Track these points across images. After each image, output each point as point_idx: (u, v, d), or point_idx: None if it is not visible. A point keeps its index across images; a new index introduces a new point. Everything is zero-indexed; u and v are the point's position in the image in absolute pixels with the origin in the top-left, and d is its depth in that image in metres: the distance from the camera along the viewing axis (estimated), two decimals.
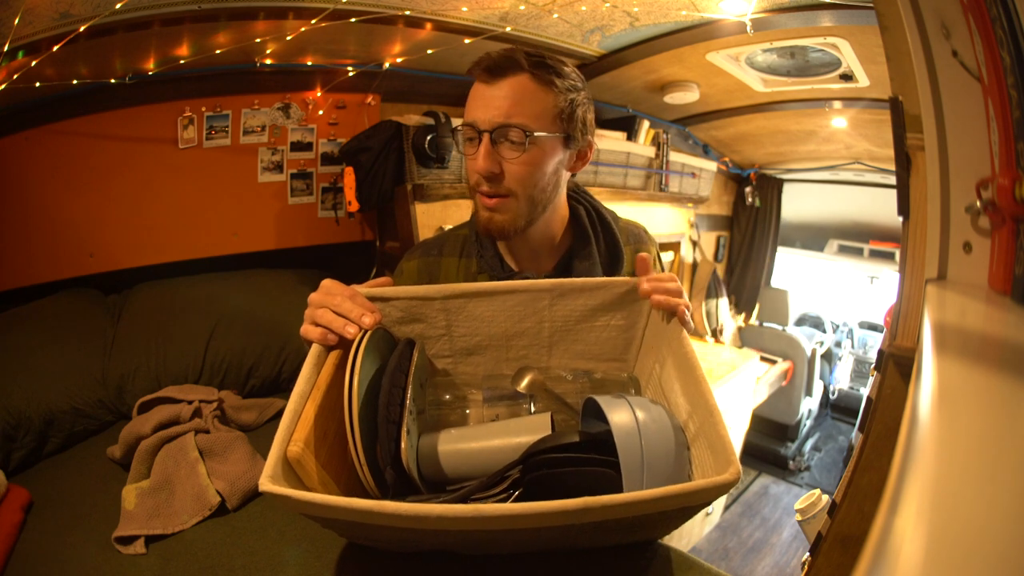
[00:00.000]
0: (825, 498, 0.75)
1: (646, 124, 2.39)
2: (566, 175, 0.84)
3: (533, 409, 0.75)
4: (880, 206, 3.31)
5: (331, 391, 0.62)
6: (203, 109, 1.52)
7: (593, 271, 0.86)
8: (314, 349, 0.66)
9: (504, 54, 0.75)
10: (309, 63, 1.59)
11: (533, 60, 0.75)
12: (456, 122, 1.58)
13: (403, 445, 0.58)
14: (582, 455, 0.58)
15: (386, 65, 1.63)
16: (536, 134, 0.75)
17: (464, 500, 0.57)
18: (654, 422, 0.56)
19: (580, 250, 0.88)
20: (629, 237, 0.94)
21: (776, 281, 3.90)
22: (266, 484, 0.48)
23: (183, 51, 1.35)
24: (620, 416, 0.56)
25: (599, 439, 0.58)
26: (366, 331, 0.67)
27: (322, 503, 0.46)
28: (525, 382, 0.74)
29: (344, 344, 0.67)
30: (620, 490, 0.53)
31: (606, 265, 0.89)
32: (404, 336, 0.75)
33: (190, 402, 0.96)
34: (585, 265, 0.86)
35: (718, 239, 3.60)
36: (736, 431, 2.77)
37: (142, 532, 0.72)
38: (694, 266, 3.36)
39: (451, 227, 0.98)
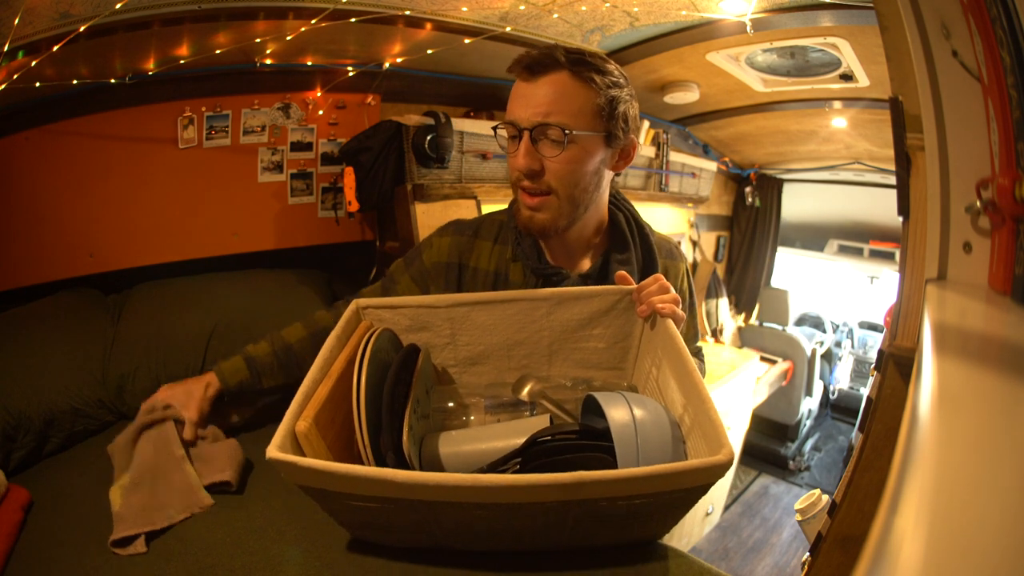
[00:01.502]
0: (825, 498, 0.75)
1: (646, 124, 2.39)
2: (608, 174, 0.84)
3: (534, 415, 0.76)
4: (880, 206, 3.30)
5: (340, 384, 0.64)
6: (203, 109, 1.52)
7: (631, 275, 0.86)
8: (327, 345, 0.68)
9: (544, 51, 0.75)
10: (309, 63, 1.59)
11: (572, 57, 0.75)
12: (457, 122, 1.58)
13: (405, 436, 0.59)
14: (580, 442, 0.59)
15: (386, 65, 1.63)
16: (575, 132, 0.75)
17: None
18: (650, 416, 0.57)
19: (619, 254, 0.88)
20: (662, 251, 0.94)
21: (776, 281, 3.90)
22: (273, 452, 0.50)
23: (183, 51, 1.35)
24: (617, 411, 0.57)
25: (598, 431, 0.59)
26: (376, 329, 0.69)
27: (325, 470, 0.48)
28: (526, 390, 0.75)
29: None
30: None
31: (640, 275, 0.89)
32: (411, 343, 0.77)
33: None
34: (625, 270, 0.85)
35: (718, 239, 3.60)
36: (736, 431, 2.77)
37: (134, 531, 0.71)
38: (694, 266, 3.36)
39: (488, 212, 0.98)
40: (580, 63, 0.75)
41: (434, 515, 0.52)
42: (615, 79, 0.78)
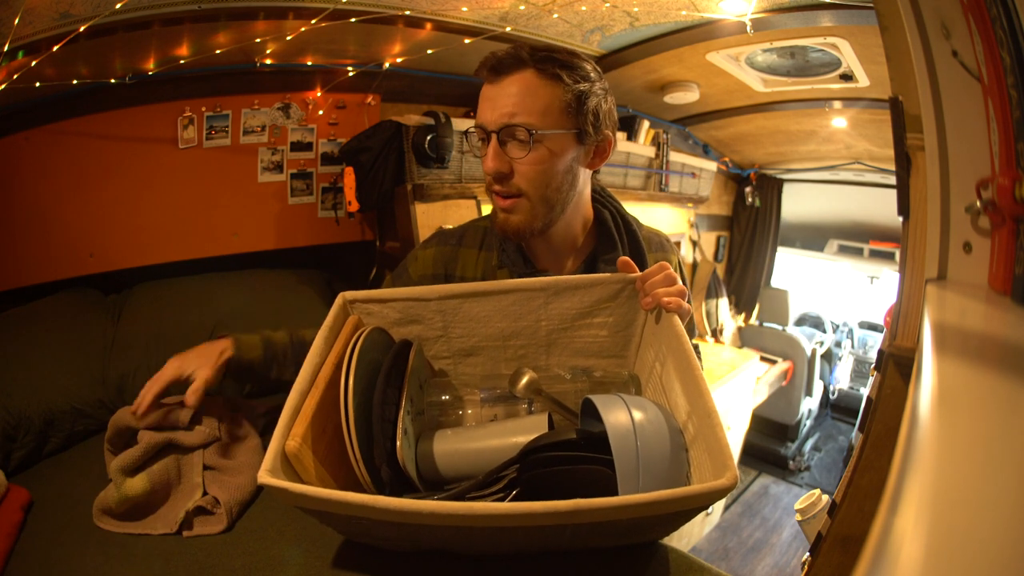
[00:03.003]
0: (825, 498, 0.75)
1: (646, 124, 2.39)
2: (585, 172, 0.83)
3: (532, 409, 0.75)
4: (880, 206, 3.30)
5: (329, 390, 0.62)
6: (203, 109, 1.52)
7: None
8: (315, 347, 0.66)
9: (509, 51, 0.74)
10: (309, 63, 1.59)
11: (539, 55, 0.74)
12: (457, 122, 1.58)
13: (398, 444, 0.59)
14: (579, 454, 0.57)
15: (386, 65, 1.63)
16: (541, 132, 0.73)
17: (460, 499, 0.57)
18: (651, 423, 0.56)
19: (605, 253, 0.87)
20: (651, 244, 0.92)
21: (776, 281, 3.89)
22: (264, 477, 0.49)
23: (183, 51, 1.35)
24: (616, 417, 0.56)
25: (597, 437, 0.58)
26: (362, 331, 0.68)
27: (317, 496, 0.47)
28: (522, 383, 0.74)
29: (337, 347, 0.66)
30: (617, 490, 0.53)
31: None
32: (403, 338, 0.76)
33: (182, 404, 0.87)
34: (611, 269, 0.83)
35: (718, 239, 3.60)
36: (736, 431, 2.77)
37: (116, 531, 0.74)
38: (694, 266, 3.36)
39: (472, 219, 0.98)
40: (546, 60, 0.73)
41: (428, 530, 0.52)
42: (584, 74, 0.76)
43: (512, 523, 0.47)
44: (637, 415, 0.56)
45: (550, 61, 0.74)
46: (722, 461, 0.48)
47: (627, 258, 0.76)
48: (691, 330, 0.97)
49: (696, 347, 1.00)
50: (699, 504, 0.48)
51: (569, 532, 0.51)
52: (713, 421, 0.52)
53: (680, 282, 0.72)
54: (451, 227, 0.96)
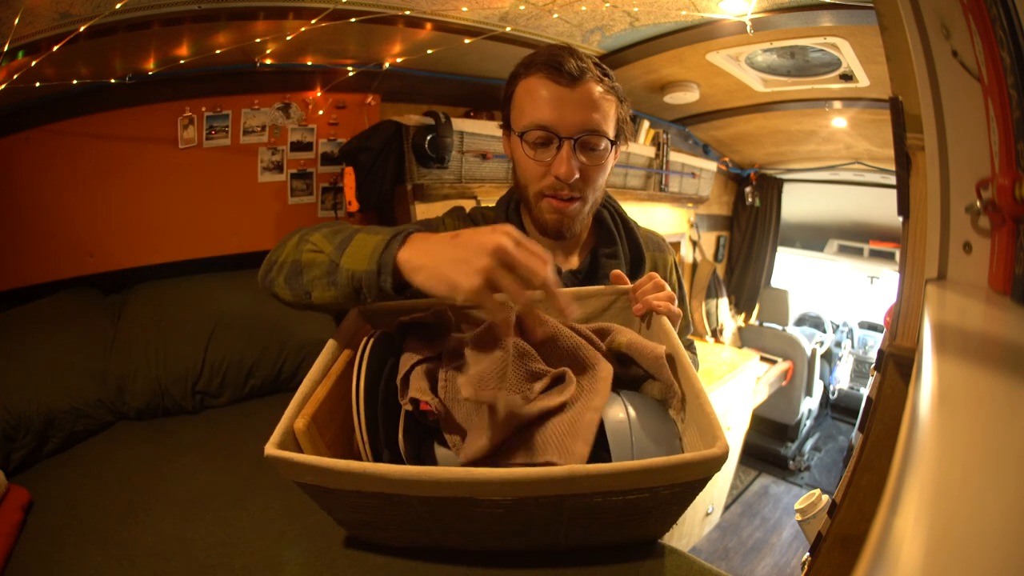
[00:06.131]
0: (825, 498, 0.75)
1: (646, 124, 2.39)
2: None
3: None
4: (880, 206, 3.31)
5: (340, 383, 0.64)
6: (203, 109, 1.52)
7: (620, 269, 0.87)
8: (328, 347, 0.68)
9: (571, 55, 0.74)
10: (309, 63, 1.59)
11: (594, 63, 0.77)
12: (457, 122, 1.58)
13: (400, 431, 0.59)
14: None
15: (386, 65, 1.63)
16: (613, 142, 0.78)
17: None
18: (645, 413, 0.58)
19: (607, 249, 0.90)
20: (649, 244, 0.96)
21: (776, 281, 3.90)
22: (271, 449, 0.50)
23: (183, 51, 1.35)
24: (612, 408, 0.58)
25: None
26: (375, 332, 0.69)
27: (320, 466, 0.49)
28: None
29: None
30: None
31: (629, 268, 0.91)
32: None
33: None
34: (612, 264, 0.87)
35: (718, 239, 3.60)
36: (736, 431, 2.77)
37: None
38: (694, 266, 3.36)
39: (474, 207, 0.99)
40: (602, 70, 0.78)
41: (429, 510, 0.52)
42: (619, 86, 0.81)
43: (509, 492, 0.48)
44: (632, 409, 0.58)
45: (605, 73, 0.78)
46: (712, 434, 0.50)
47: (620, 271, 0.79)
48: (685, 328, 0.99)
49: (691, 343, 1.03)
50: (693, 475, 0.49)
51: (567, 512, 0.52)
52: (701, 399, 0.54)
53: (669, 288, 0.76)
54: (465, 208, 0.97)
